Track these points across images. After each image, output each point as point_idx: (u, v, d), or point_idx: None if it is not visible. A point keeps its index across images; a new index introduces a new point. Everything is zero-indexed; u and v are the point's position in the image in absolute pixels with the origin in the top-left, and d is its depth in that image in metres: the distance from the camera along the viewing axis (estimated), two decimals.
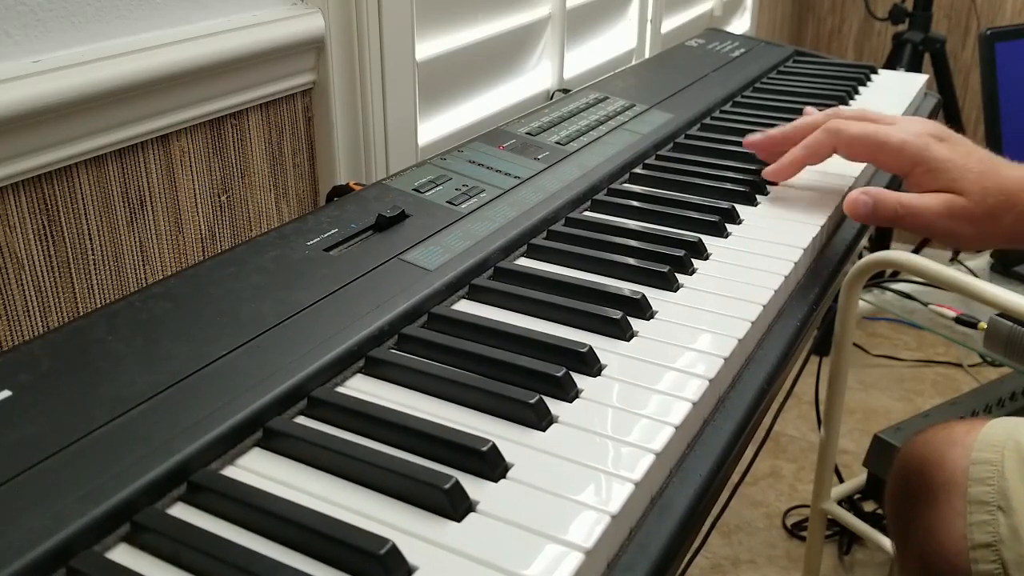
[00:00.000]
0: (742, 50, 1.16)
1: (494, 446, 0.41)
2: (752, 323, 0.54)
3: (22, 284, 0.62)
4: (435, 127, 1.02)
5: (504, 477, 0.41)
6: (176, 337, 0.48)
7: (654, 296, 0.57)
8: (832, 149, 0.71)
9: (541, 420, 0.44)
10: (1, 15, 0.58)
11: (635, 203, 0.70)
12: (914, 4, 2.05)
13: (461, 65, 1.06)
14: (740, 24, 2.02)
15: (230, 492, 0.39)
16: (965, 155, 0.67)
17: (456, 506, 0.38)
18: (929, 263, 1.12)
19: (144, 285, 0.62)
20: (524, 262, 0.62)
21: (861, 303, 1.35)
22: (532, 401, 0.45)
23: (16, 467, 0.38)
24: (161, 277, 0.70)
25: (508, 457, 0.42)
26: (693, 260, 0.62)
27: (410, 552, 0.36)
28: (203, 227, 0.76)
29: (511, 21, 1.15)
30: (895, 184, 0.81)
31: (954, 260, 1.67)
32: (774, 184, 0.76)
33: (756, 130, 0.87)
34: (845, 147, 0.71)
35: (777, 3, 2.35)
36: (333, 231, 0.60)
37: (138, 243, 0.70)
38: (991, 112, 1.55)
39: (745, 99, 0.99)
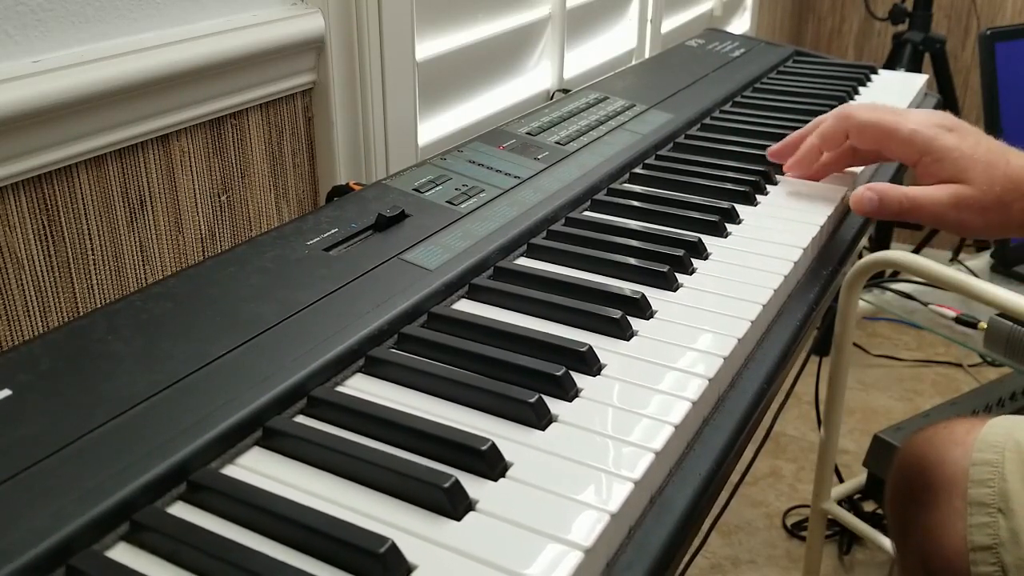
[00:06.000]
0: (742, 50, 1.16)
1: (494, 445, 0.41)
2: (752, 323, 0.54)
3: (22, 284, 0.62)
4: (435, 127, 1.02)
5: (504, 476, 0.41)
6: (176, 337, 0.48)
7: (654, 296, 0.57)
8: (845, 134, 0.72)
9: (541, 419, 0.44)
10: (1, 15, 0.58)
11: (635, 203, 0.70)
12: (914, 4, 2.05)
13: (461, 65, 1.06)
14: (740, 24, 2.02)
15: (230, 491, 0.39)
16: (973, 144, 0.68)
17: (456, 505, 0.38)
18: (929, 263, 1.12)
19: (144, 285, 0.62)
20: (524, 262, 0.63)
21: (861, 303, 1.35)
22: (532, 400, 0.45)
23: (16, 466, 0.38)
24: (161, 277, 0.70)
25: (508, 456, 0.42)
26: (693, 260, 0.62)
27: (410, 551, 0.36)
28: (203, 227, 0.76)
29: (511, 21, 1.15)
30: (898, 178, 0.81)
31: (954, 260, 1.67)
32: (800, 176, 0.77)
33: (756, 130, 0.87)
34: (856, 132, 0.72)
35: (777, 3, 2.35)
36: (333, 231, 0.60)
37: (138, 243, 0.70)
38: (991, 112, 1.55)
39: (745, 99, 0.99)
